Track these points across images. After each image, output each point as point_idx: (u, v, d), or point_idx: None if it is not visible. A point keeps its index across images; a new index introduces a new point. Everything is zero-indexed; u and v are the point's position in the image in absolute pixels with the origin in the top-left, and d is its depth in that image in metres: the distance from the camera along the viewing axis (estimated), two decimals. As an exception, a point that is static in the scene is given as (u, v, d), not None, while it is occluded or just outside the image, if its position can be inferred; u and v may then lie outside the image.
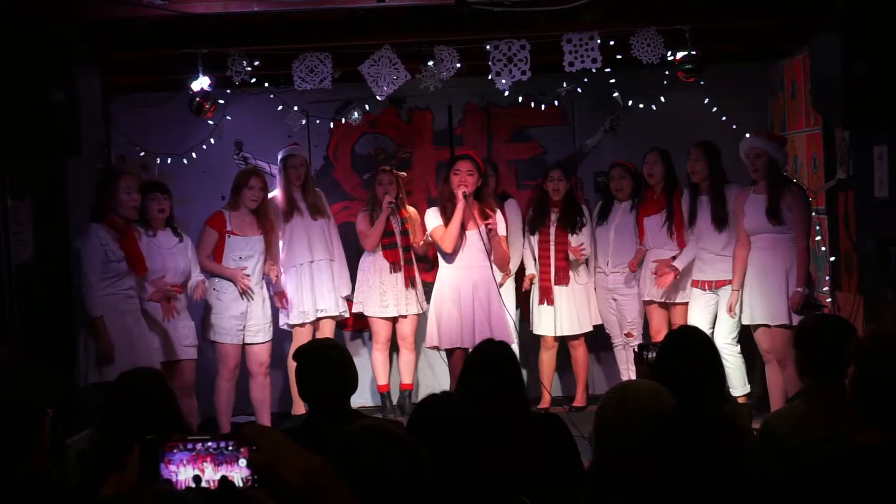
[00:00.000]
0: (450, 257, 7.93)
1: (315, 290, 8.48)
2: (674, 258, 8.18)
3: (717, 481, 2.68)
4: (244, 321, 8.06)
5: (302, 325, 8.47)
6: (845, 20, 6.18)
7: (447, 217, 7.84)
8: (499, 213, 8.05)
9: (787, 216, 7.48)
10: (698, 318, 8.02)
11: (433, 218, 7.98)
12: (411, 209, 8.79)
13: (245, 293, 8.01)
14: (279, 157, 8.54)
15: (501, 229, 7.99)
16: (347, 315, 8.74)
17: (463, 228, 7.81)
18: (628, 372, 8.51)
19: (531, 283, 8.81)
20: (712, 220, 7.95)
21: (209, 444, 2.30)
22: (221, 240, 8.02)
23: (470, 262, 7.90)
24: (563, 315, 8.70)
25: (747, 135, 8.03)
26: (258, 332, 8.14)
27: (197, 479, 2.29)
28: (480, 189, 7.88)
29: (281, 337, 8.63)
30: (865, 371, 3.59)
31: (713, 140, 8.14)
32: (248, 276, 7.98)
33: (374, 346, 8.88)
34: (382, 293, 8.66)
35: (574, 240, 8.58)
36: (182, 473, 2.29)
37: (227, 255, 8.02)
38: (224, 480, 2.28)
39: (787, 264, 7.48)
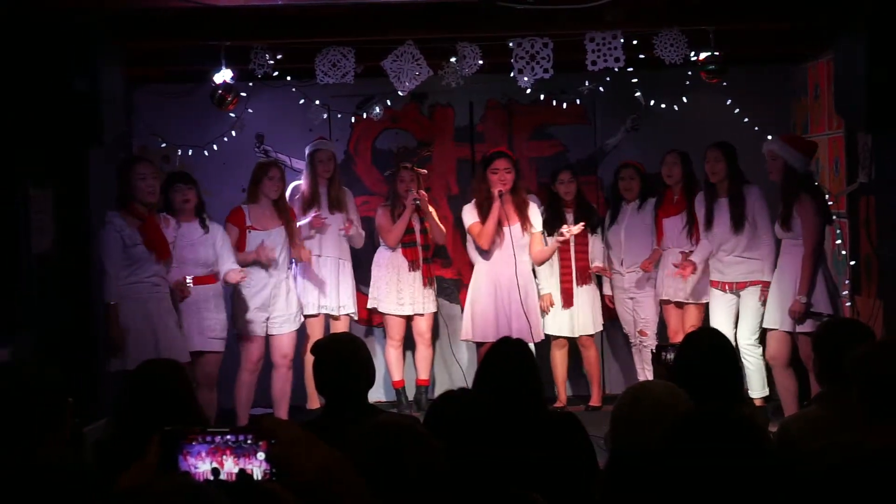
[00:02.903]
0: (486, 253, 8.20)
1: (320, 285, 8.48)
2: (689, 253, 8.17)
3: (734, 482, 2.68)
4: (268, 312, 8.07)
5: (312, 316, 8.45)
6: (869, 24, 6.16)
7: (483, 215, 8.10)
8: (534, 207, 8.33)
9: (795, 223, 7.44)
10: (719, 319, 8.00)
11: (470, 215, 8.21)
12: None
13: (270, 265, 7.98)
14: (307, 151, 8.55)
15: (537, 222, 8.32)
16: (354, 314, 8.72)
17: (500, 225, 8.08)
18: (645, 372, 8.51)
19: (550, 305, 8.77)
20: (731, 221, 7.92)
21: (228, 437, 2.30)
22: (243, 235, 8.00)
23: (506, 258, 8.12)
24: (577, 315, 8.70)
25: (769, 137, 8.01)
26: (283, 323, 8.13)
27: (216, 472, 2.29)
28: (514, 183, 8.17)
29: (298, 332, 8.66)
30: (871, 372, 3.62)
31: (735, 142, 8.10)
32: (269, 248, 7.91)
33: (388, 342, 8.88)
34: (399, 291, 8.67)
35: (591, 239, 8.61)
36: (201, 466, 2.30)
37: (248, 250, 7.97)
38: (242, 474, 2.28)
39: (797, 271, 7.44)
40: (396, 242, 8.64)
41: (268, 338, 8.15)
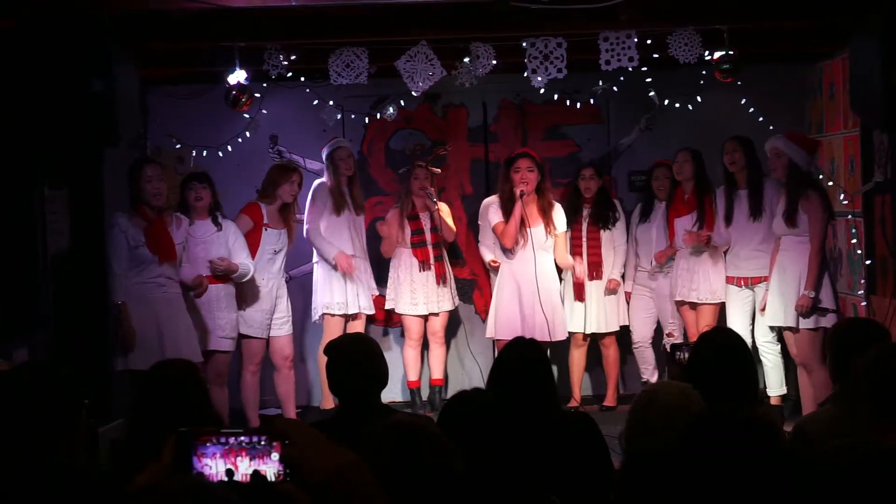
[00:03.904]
0: (510, 252, 8.30)
1: (354, 284, 8.48)
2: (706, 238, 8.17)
3: (747, 483, 2.67)
4: (271, 314, 8.12)
5: (341, 315, 8.44)
6: (886, 24, 6.14)
7: (507, 215, 8.19)
8: (558, 208, 8.38)
9: (801, 219, 7.45)
10: (735, 315, 8.01)
11: (495, 214, 8.26)
12: (442, 204, 8.79)
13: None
14: (325, 152, 8.54)
15: (560, 224, 8.36)
16: (373, 311, 8.73)
17: (522, 226, 8.13)
18: (649, 372, 8.58)
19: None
20: (749, 209, 7.93)
21: (242, 438, 2.30)
22: (258, 231, 8.03)
23: (528, 259, 8.18)
24: (592, 313, 8.69)
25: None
26: (283, 325, 8.21)
27: (230, 472, 2.29)
28: (539, 184, 8.25)
29: (305, 330, 8.65)
30: (882, 372, 3.62)
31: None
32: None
33: (406, 342, 8.89)
34: (413, 291, 8.68)
35: (605, 235, 8.61)
36: (215, 467, 2.29)
37: (262, 248, 8.03)
38: (256, 475, 2.28)
39: (803, 268, 7.45)
40: (387, 253, 8.71)
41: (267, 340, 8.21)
